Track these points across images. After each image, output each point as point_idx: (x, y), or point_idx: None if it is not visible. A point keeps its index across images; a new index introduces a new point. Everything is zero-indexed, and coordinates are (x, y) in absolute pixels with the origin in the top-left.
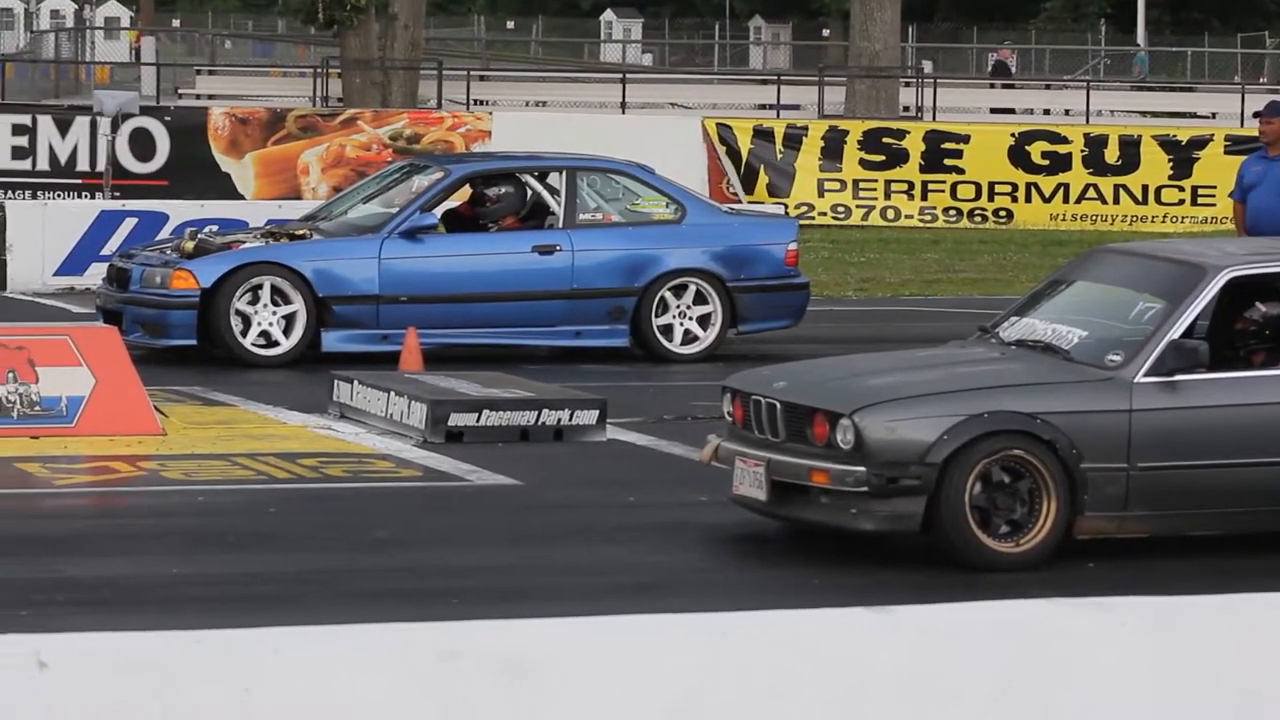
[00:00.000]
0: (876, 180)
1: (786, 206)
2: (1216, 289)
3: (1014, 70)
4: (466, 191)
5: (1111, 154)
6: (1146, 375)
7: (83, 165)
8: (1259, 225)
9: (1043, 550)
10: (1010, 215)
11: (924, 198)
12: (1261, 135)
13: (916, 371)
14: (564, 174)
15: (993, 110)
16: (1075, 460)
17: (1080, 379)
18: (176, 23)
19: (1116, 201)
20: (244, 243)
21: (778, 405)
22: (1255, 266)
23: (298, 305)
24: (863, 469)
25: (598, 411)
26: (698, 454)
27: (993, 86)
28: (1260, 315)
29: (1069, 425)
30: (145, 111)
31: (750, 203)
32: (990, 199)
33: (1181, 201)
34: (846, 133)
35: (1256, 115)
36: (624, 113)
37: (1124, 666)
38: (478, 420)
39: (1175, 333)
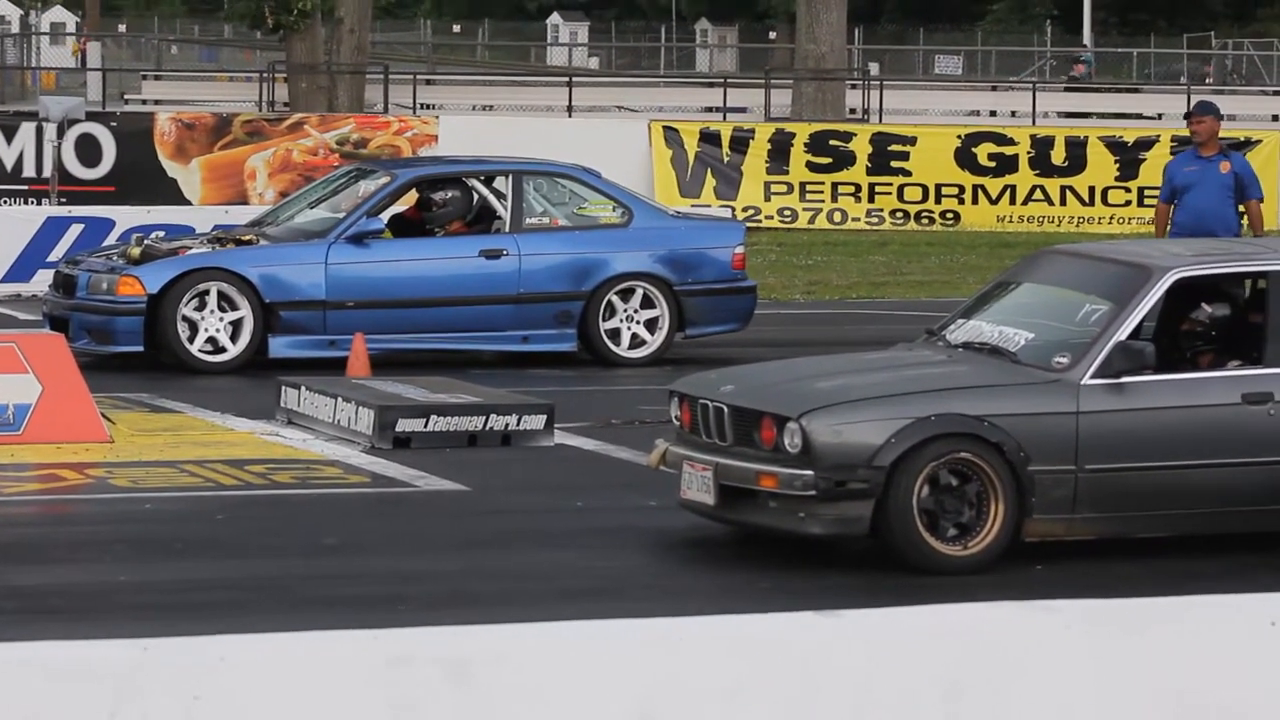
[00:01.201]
0: (823, 183)
1: (733, 210)
2: (1163, 290)
3: (1092, 76)
4: (413, 196)
5: (1058, 155)
6: (1093, 377)
7: (29, 171)
8: (1202, 226)
9: (991, 553)
10: (957, 217)
11: (871, 200)
12: (1194, 135)
13: (864, 374)
14: (510, 178)
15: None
16: (1023, 463)
17: (1027, 381)
18: (123, 28)
19: (1063, 203)
20: (190, 248)
21: (725, 409)
22: (1201, 267)
23: (244, 311)
24: (810, 473)
25: (545, 416)
26: (645, 458)
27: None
28: (1206, 316)
29: (1016, 428)
30: (91, 117)
31: (696, 206)
32: (937, 201)
33: (1128, 203)
34: (793, 135)
35: (1186, 116)
36: (570, 116)
37: (1069, 668)
38: (425, 426)
39: (1122, 334)
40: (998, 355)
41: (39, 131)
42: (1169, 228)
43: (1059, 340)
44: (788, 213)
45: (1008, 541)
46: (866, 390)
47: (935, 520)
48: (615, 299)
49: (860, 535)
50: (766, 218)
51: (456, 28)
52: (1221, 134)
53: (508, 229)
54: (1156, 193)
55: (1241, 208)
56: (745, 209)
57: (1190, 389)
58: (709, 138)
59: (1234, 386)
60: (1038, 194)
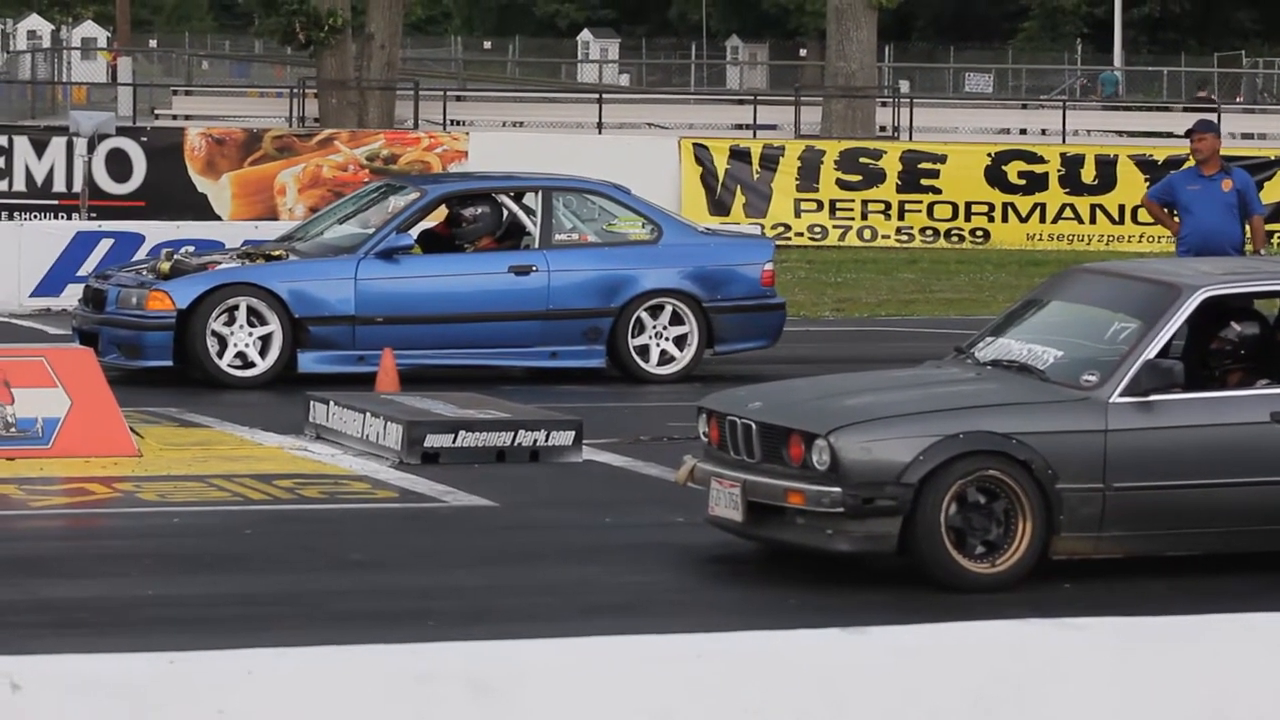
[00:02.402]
0: (853, 200)
1: (763, 227)
2: (1192, 308)
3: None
4: (443, 212)
5: (1088, 174)
6: (1122, 395)
7: (59, 186)
8: (1209, 245)
9: (1018, 571)
10: (987, 235)
11: (901, 218)
12: (1195, 153)
13: (892, 392)
14: (540, 194)
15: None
16: (1051, 480)
17: (1056, 399)
18: (153, 43)
19: (1093, 221)
20: (220, 263)
21: (753, 426)
22: (1230, 286)
23: (274, 326)
24: (838, 489)
25: (574, 432)
26: (674, 475)
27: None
28: (1235, 335)
29: (1044, 445)
30: (122, 132)
31: (726, 223)
32: (967, 219)
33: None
34: (823, 153)
35: (1187, 134)
36: (600, 133)
37: (1095, 686)
38: (454, 441)
39: (1151, 353)
40: (1026, 373)
41: (69, 146)
42: (1177, 244)
43: (1088, 358)
44: (817, 230)
45: (1035, 559)
46: (895, 408)
47: (963, 538)
48: (644, 315)
49: (888, 553)
50: (796, 235)
51: (487, 44)
52: (1252, 153)
53: (537, 245)
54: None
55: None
56: (775, 226)
57: (1218, 407)
58: (739, 155)
59: (1263, 405)
60: (1067, 212)
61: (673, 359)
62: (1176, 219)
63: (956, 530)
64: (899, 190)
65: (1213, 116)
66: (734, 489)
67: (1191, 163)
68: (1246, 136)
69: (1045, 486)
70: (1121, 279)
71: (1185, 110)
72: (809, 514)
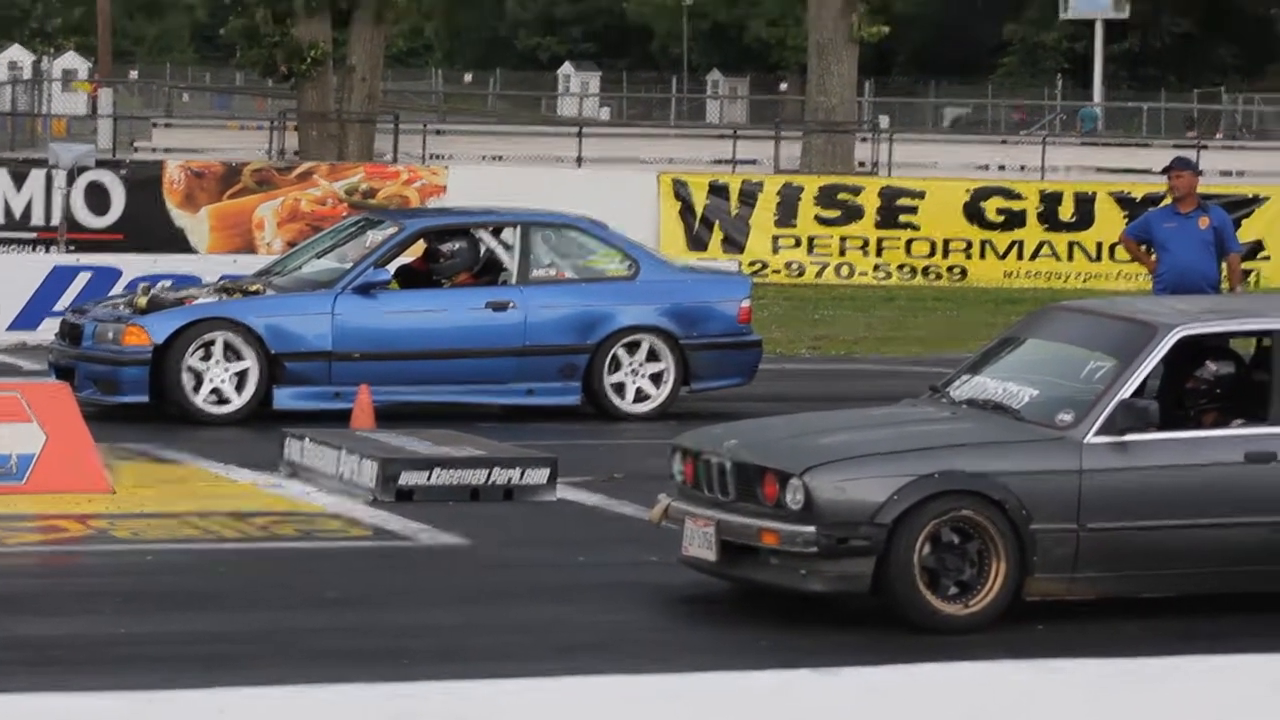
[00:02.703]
0: (831, 236)
1: (740, 263)
2: (1168, 348)
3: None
4: (421, 247)
5: (1066, 210)
6: (1097, 435)
7: (37, 219)
8: (1185, 283)
9: (992, 612)
10: (964, 272)
11: (879, 254)
12: (1172, 190)
13: (867, 430)
14: (518, 229)
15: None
16: (1025, 521)
17: (1030, 438)
18: (134, 74)
19: (1070, 258)
20: (197, 298)
21: (727, 464)
22: (1206, 325)
23: (250, 362)
24: (812, 529)
25: (548, 470)
26: (648, 513)
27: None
28: (1211, 374)
29: (1019, 485)
30: (101, 164)
31: (703, 259)
32: (945, 255)
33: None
34: (802, 189)
35: (1165, 171)
36: (580, 167)
37: None
38: (428, 479)
39: (1126, 392)
40: (1001, 412)
41: (49, 179)
42: (1154, 281)
43: (1063, 397)
44: (795, 266)
45: (1008, 600)
46: (869, 447)
47: (936, 578)
48: (621, 352)
49: (861, 593)
50: (774, 271)
51: (468, 77)
52: (1232, 190)
53: (514, 281)
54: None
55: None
56: (752, 262)
57: (1194, 448)
58: (717, 190)
59: (1238, 445)
60: (1045, 249)
61: (648, 396)
62: (1153, 256)
63: (930, 571)
64: (877, 226)
65: (1191, 154)
66: (708, 528)
67: (1169, 200)
68: (1225, 173)
69: (1019, 527)
70: (1098, 318)
71: (1176, 147)
72: (783, 554)
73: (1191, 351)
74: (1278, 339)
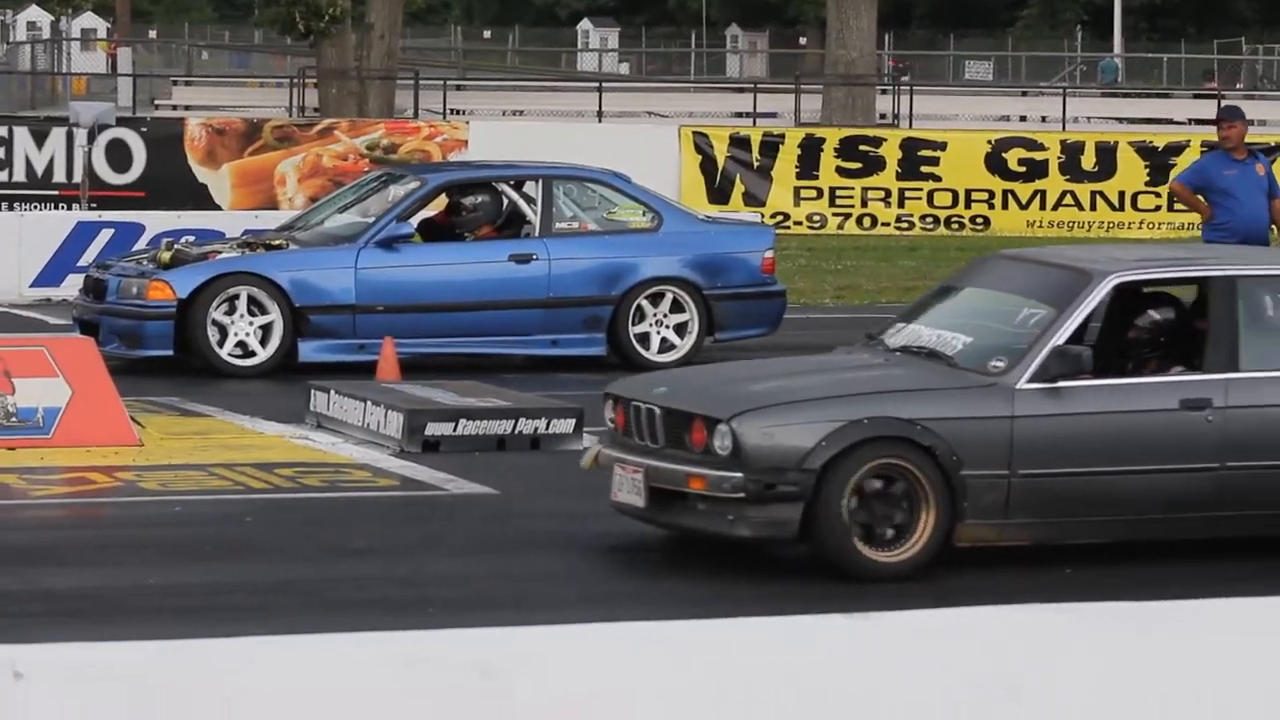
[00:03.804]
0: (853, 188)
1: (762, 215)
2: (1103, 295)
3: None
4: (443, 201)
5: (1088, 160)
6: (1029, 381)
7: (59, 177)
8: (1252, 229)
9: (921, 558)
10: (987, 222)
11: (901, 205)
12: (1224, 140)
13: (798, 377)
14: (540, 183)
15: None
16: (955, 467)
17: (962, 385)
18: (153, 34)
19: (1093, 208)
20: (220, 253)
21: (657, 411)
22: (1143, 272)
23: (274, 315)
24: (739, 475)
25: (574, 420)
26: (581, 460)
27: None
28: (1151, 322)
29: (949, 431)
30: (122, 123)
31: (725, 212)
32: (967, 206)
33: (1158, 208)
34: (823, 140)
35: (1217, 122)
36: (600, 121)
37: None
38: (454, 430)
39: (1060, 339)
40: (934, 359)
41: (69, 137)
42: (1211, 231)
43: (997, 344)
44: (817, 218)
45: (939, 547)
46: (799, 393)
47: (865, 525)
48: (645, 303)
49: (789, 539)
50: (795, 223)
51: (487, 33)
52: (1252, 139)
53: (537, 234)
54: None
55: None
56: (774, 214)
57: (1127, 394)
58: (739, 143)
59: (1172, 392)
60: (1068, 199)
61: (673, 346)
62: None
63: (858, 517)
64: (899, 178)
65: (1238, 103)
66: (636, 474)
67: (1222, 148)
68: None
69: (949, 473)
70: (1035, 265)
71: (1196, 98)
72: (710, 499)
73: (1131, 299)
74: (1214, 286)
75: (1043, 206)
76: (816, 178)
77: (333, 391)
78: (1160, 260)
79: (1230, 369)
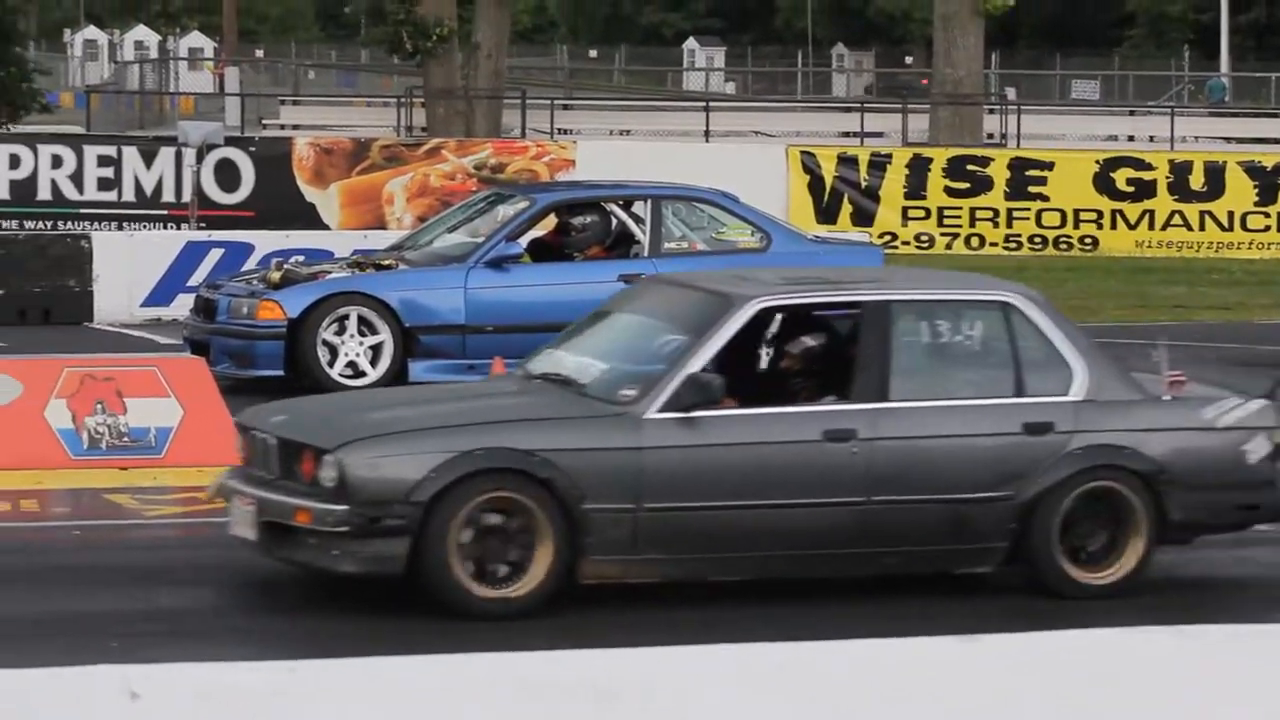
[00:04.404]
0: (961, 208)
1: (870, 235)
2: (744, 320)
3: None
4: (552, 221)
5: (1196, 180)
6: (661, 411)
7: (168, 196)
8: None
9: (539, 596)
10: (1096, 242)
11: (1009, 225)
12: None
13: (419, 406)
14: (649, 203)
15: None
16: (576, 500)
17: (590, 414)
18: (260, 53)
19: (1202, 228)
20: (330, 273)
21: (271, 440)
22: (787, 297)
23: (384, 335)
24: (344, 508)
25: None
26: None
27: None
28: (805, 349)
29: (571, 463)
30: (230, 142)
31: (833, 232)
32: (1075, 226)
33: (1267, 228)
34: (930, 160)
35: None
36: (707, 141)
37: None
38: None
39: (694, 366)
40: (567, 387)
41: (178, 156)
42: None
43: (633, 372)
44: (925, 238)
45: (558, 584)
46: (414, 422)
47: (479, 561)
48: None
49: (395, 575)
50: (903, 243)
51: (593, 53)
52: None
53: (646, 254)
54: None
55: None
56: (882, 234)
57: (767, 424)
58: (846, 162)
59: (815, 423)
60: (1176, 219)
61: None
62: None
63: (471, 552)
64: (1007, 198)
65: None
66: (249, 507)
67: None
68: None
69: (570, 507)
70: (682, 290)
71: None
72: (318, 534)
73: (781, 324)
74: (867, 311)
75: (1151, 226)
76: (924, 198)
77: None
78: (809, 284)
79: (879, 399)
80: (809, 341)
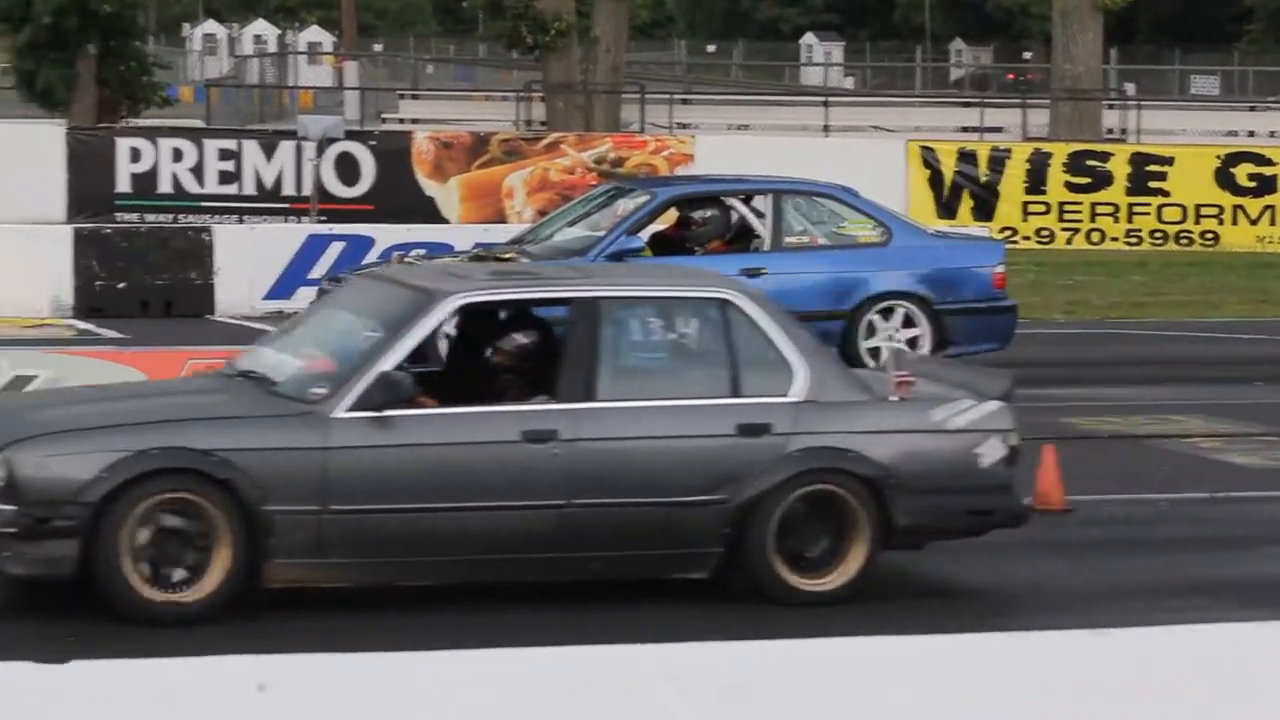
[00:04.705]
0: (1081, 203)
1: (990, 230)
2: (442, 317)
3: None
4: (673, 215)
5: None
6: (351, 410)
7: (288, 189)
8: None
9: (217, 600)
10: (1216, 238)
11: (1129, 220)
12: None
13: (100, 404)
14: (770, 197)
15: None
16: (258, 501)
17: (276, 413)
18: (379, 47)
19: None
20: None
21: None
22: (491, 293)
23: None
24: (12, 508)
25: None
26: None
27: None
28: (515, 346)
29: (253, 463)
30: (349, 136)
31: (953, 227)
32: (1196, 221)
33: None
34: (1050, 155)
35: None
36: (826, 135)
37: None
38: None
39: (387, 364)
40: (259, 385)
41: (298, 150)
42: None
43: (327, 370)
44: (1045, 233)
45: (236, 587)
46: (91, 420)
47: (154, 563)
48: (875, 318)
49: (67, 577)
50: (1024, 238)
51: (711, 47)
52: None
53: (767, 248)
54: None
55: None
56: (1002, 229)
57: (463, 424)
58: (966, 157)
59: (514, 423)
60: None
61: None
62: None
63: (147, 555)
64: (1127, 193)
65: None
66: None
67: None
68: None
69: (250, 508)
70: (387, 285)
71: None
72: None
73: (488, 321)
74: (575, 308)
75: (1272, 222)
76: (1044, 193)
77: None
78: (516, 281)
79: (584, 398)
80: (521, 339)
